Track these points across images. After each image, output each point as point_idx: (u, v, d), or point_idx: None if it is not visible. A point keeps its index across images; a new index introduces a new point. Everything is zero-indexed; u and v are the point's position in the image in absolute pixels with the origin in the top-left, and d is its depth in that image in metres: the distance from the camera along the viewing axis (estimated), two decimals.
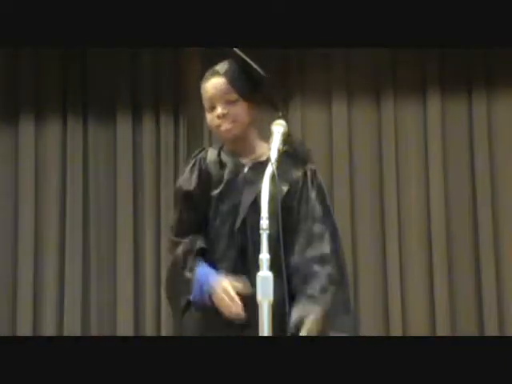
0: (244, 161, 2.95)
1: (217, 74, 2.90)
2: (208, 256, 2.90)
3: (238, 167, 2.94)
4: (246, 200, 2.87)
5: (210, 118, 2.90)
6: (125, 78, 5.15)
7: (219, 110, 2.87)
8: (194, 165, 3.00)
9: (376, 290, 4.90)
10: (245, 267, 2.83)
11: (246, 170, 2.93)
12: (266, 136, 2.82)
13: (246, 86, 2.89)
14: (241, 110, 2.89)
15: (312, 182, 2.95)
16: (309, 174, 2.96)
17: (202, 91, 2.93)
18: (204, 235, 2.92)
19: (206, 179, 2.94)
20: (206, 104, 2.91)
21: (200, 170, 2.97)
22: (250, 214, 2.84)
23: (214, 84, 2.88)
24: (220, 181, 2.92)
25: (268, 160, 2.68)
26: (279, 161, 2.70)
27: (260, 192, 2.61)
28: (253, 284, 2.47)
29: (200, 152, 3.03)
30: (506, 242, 4.88)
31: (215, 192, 2.91)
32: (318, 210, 2.90)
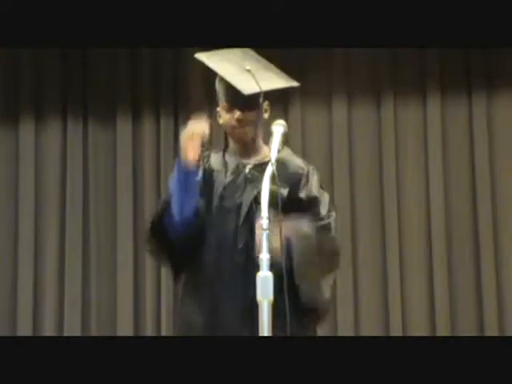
0: (246, 161, 2.99)
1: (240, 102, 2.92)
2: (211, 252, 2.91)
3: (240, 167, 2.98)
4: (248, 198, 2.90)
5: (227, 118, 2.95)
6: (125, 77, 5.15)
7: (238, 114, 2.92)
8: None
9: (376, 290, 4.90)
10: (247, 265, 2.85)
11: (247, 170, 2.96)
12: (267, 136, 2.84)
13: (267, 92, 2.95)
14: (257, 115, 2.96)
15: (312, 181, 2.99)
16: (310, 172, 3.02)
17: (220, 90, 2.96)
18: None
19: (208, 176, 2.97)
20: (225, 104, 2.94)
21: (203, 167, 2.99)
22: (252, 212, 2.87)
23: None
24: (223, 179, 2.95)
25: (269, 162, 2.73)
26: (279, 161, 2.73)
27: (261, 190, 2.68)
28: (255, 283, 2.49)
29: (203, 152, 3.05)
30: (506, 242, 4.87)
31: (218, 190, 2.93)
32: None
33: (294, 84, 2.95)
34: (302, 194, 2.96)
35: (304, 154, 5.00)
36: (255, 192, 2.89)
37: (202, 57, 2.94)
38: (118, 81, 5.15)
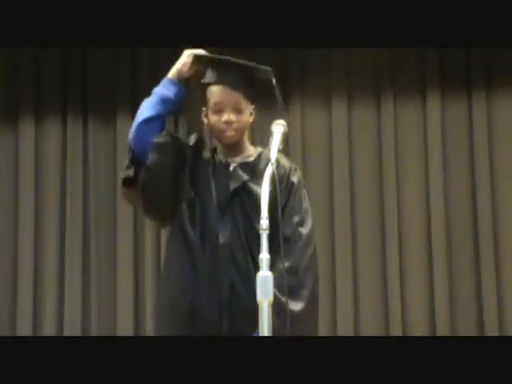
0: (232, 160, 3.04)
1: (228, 83, 2.97)
2: (194, 244, 2.94)
3: (225, 165, 3.02)
4: (226, 191, 2.95)
5: (215, 120, 2.98)
6: (125, 77, 5.15)
7: (227, 116, 2.97)
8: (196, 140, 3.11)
9: (376, 290, 4.90)
10: (231, 256, 2.87)
11: (231, 168, 3.01)
12: (266, 136, 2.84)
13: (254, 95, 3.01)
14: (246, 118, 3.00)
15: (294, 180, 3.03)
16: (292, 171, 3.05)
17: (209, 94, 2.99)
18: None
19: (198, 169, 3.02)
20: (213, 106, 2.97)
21: (197, 143, 3.08)
22: (233, 205, 2.93)
23: (225, 92, 2.97)
24: (209, 175, 2.97)
25: (254, 161, 2.98)
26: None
27: (243, 184, 2.92)
28: (227, 273, 2.66)
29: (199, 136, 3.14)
30: (506, 241, 4.87)
31: (204, 183, 2.97)
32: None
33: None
34: (283, 191, 2.97)
35: (304, 154, 5.00)
36: (234, 185, 2.95)
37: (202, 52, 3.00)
38: (117, 81, 5.15)
